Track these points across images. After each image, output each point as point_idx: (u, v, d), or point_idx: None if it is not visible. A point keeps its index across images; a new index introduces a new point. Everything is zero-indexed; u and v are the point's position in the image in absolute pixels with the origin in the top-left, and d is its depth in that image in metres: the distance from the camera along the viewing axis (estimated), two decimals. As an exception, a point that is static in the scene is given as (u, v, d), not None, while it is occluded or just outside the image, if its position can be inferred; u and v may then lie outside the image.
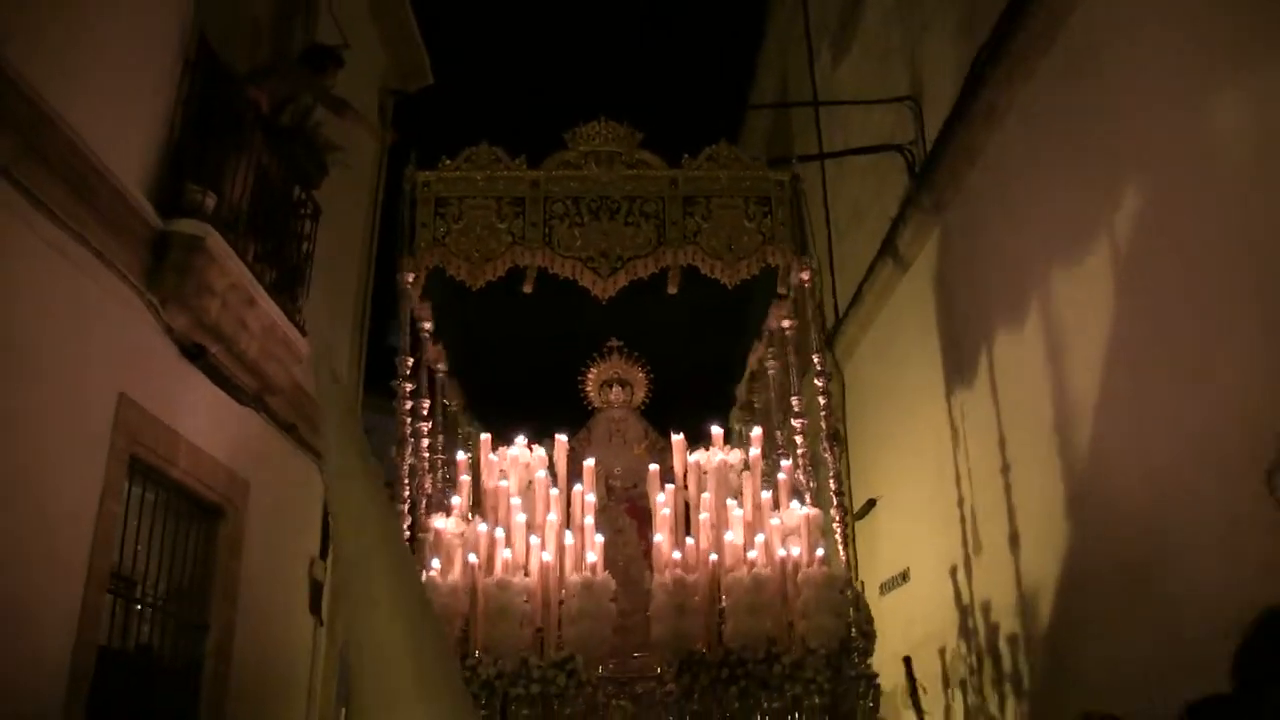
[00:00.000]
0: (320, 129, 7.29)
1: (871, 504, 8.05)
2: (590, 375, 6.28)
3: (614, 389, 6.26)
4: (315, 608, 7.82)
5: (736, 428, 6.78)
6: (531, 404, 6.04)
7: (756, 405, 6.50)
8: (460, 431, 6.58)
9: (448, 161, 5.51)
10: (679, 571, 4.73)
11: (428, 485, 5.47)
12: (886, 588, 7.62)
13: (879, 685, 4.54)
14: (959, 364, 6.49)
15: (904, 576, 7.48)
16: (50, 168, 4.63)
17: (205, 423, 6.15)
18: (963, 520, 6.35)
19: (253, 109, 6.39)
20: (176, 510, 6.04)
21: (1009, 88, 5.66)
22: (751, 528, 4.98)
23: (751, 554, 4.82)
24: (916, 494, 7.31)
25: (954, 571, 6.48)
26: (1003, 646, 5.83)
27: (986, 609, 6.08)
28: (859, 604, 4.69)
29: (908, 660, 5.86)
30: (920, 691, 5.77)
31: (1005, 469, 5.73)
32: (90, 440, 5.06)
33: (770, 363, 6.18)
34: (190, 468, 5.99)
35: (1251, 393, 3.70)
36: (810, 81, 10.25)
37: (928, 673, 6.72)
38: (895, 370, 7.80)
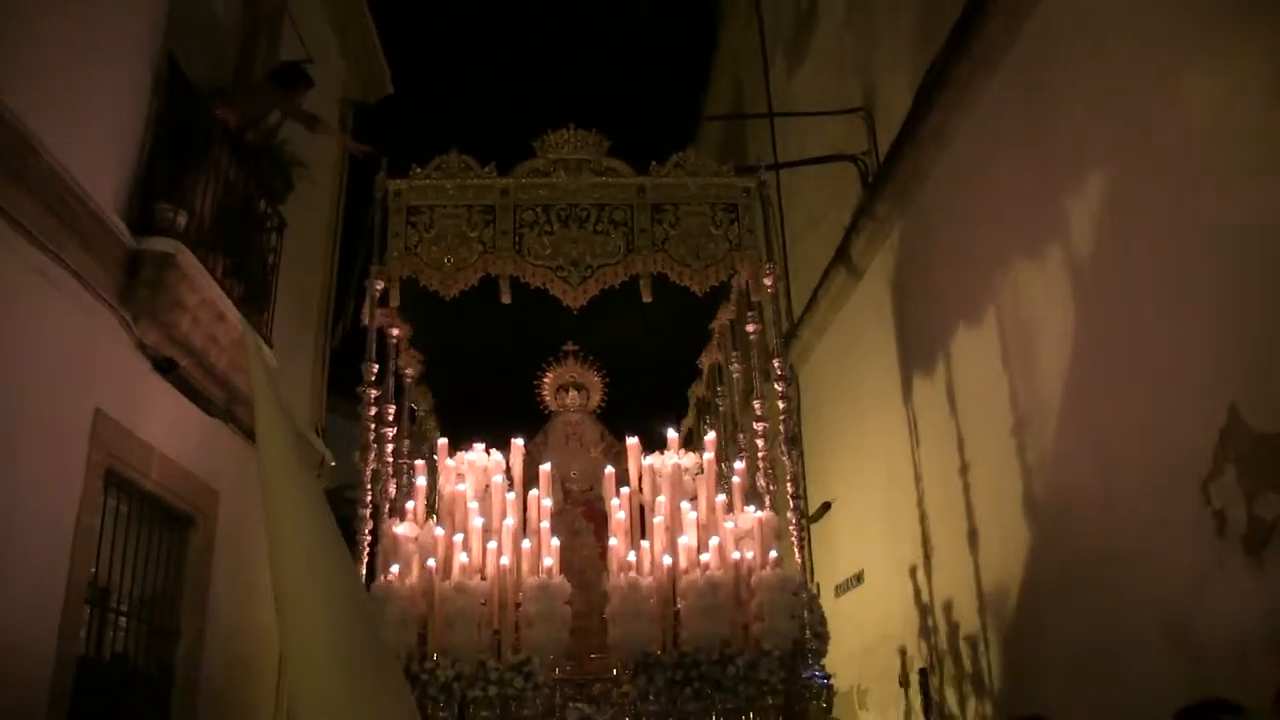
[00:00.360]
0: (286, 145, 7.36)
1: (827, 507, 8.13)
2: (547, 379, 6.30)
3: (570, 393, 6.29)
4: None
5: (687, 429, 6.81)
6: (490, 408, 6.05)
7: (722, 409, 6.51)
8: (427, 438, 6.56)
9: (418, 170, 5.49)
10: (634, 575, 4.77)
11: (391, 490, 5.46)
12: (841, 589, 7.71)
13: (832, 686, 4.60)
14: (913, 370, 6.58)
15: (858, 578, 7.56)
16: (30, 191, 4.75)
17: (176, 434, 6.25)
18: (921, 521, 6.44)
19: (220, 127, 6.48)
20: (149, 520, 6.11)
21: (956, 109, 5.77)
22: (706, 531, 5.02)
23: (705, 557, 4.86)
24: (871, 497, 7.39)
25: (909, 573, 6.57)
26: (960, 646, 5.92)
27: (940, 610, 6.17)
28: (813, 606, 4.73)
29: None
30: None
31: (959, 472, 5.82)
32: (68, 455, 5.15)
33: (734, 366, 6.20)
34: (162, 479, 6.08)
35: (1201, 399, 3.77)
36: (765, 88, 10.33)
37: (883, 670, 6.82)
38: (850, 375, 7.87)
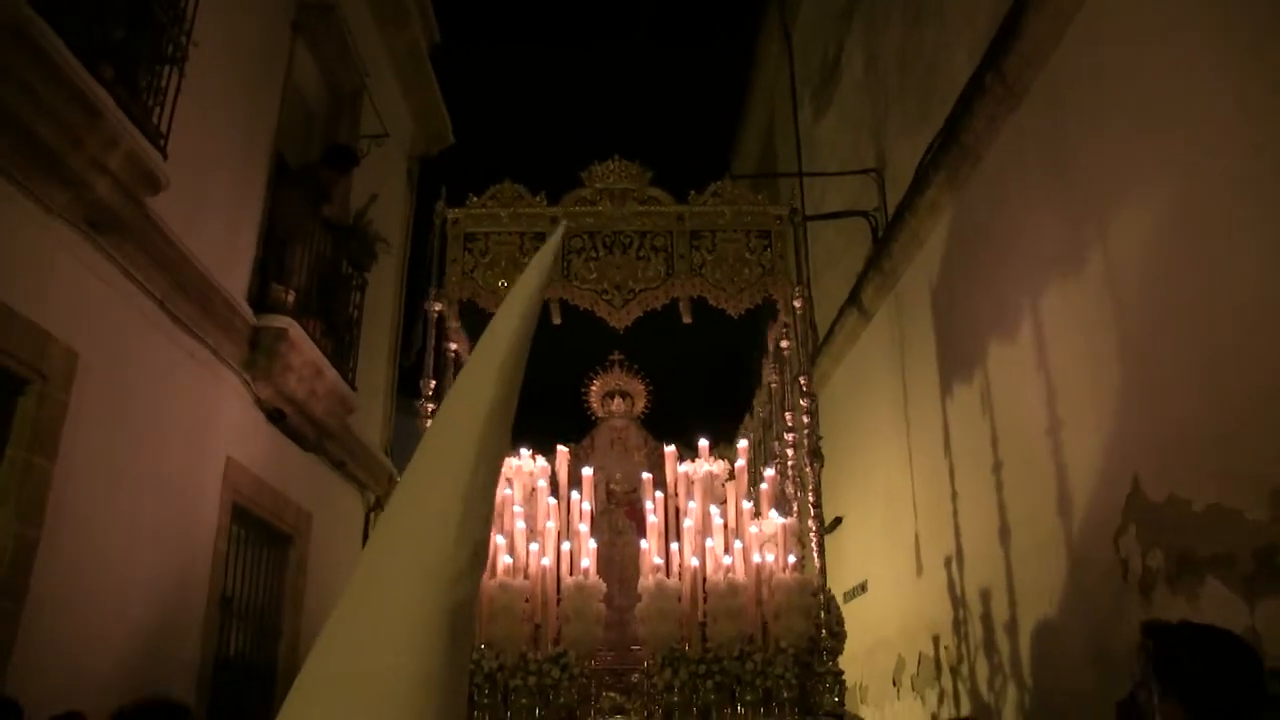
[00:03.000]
0: (371, 225, 8.13)
1: (838, 521, 8.29)
2: (594, 387, 6.31)
3: (615, 400, 6.28)
4: None
5: (748, 436, 6.60)
6: (538, 414, 6.13)
7: (761, 416, 6.43)
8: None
9: (474, 199, 5.55)
10: (662, 576, 4.86)
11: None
12: (848, 597, 7.89)
13: (844, 681, 4.66)
14: (914, 406, 6.85)
15: (863, 588, 7.76)
16: (186, 294, 5.76)
17: (280, 468, 7.14)
18: (916, 540, 6.68)
19: (319, 217, 7.40)
20: (259, 540, 6.98)
21: (948, 189, 6.08)
22: (733, 535, 5.12)
23: (728, 560, 4.93)
24: (874, 517, 7.63)
25: (905, 585, 6.82)
26: (942, 652, 6.20)
27: (928, 618, 6.43)
28: (830, 607, 4.77)
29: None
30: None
31: (950, 498, 6.10)
32: (208, 496, 6.22)
33: (773, 379, 6.11)
34: (271, 506, 7.02)
35: (1119, 462, 4.11)
36: (794, 130, 10.54)
37: (882, 670, 7.01)
38: (860, 406, 8.11)
